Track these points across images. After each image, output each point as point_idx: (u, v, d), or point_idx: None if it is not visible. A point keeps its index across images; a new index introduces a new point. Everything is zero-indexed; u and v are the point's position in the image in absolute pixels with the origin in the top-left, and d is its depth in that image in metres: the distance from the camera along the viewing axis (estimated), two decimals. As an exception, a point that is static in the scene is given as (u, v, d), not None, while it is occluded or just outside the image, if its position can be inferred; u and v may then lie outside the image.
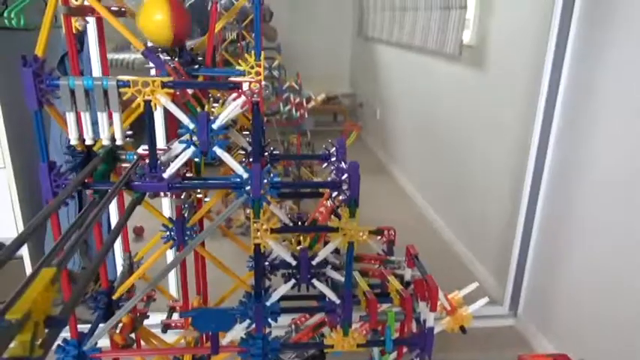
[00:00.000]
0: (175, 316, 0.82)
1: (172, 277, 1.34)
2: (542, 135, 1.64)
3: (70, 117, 0.60)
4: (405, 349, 0.80)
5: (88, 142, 0.61)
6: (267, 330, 0.69)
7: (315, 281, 0.66)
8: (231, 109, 0.60)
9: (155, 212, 0.75)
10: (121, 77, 0.60)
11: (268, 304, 0.66)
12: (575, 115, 1.52)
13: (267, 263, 0.72)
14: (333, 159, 0.74)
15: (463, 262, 2.15)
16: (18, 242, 0.46)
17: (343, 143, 0.73)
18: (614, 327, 1.31)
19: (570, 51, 1.53)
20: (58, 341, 0.64)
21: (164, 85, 0.59)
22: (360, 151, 3.51)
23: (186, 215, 0.77)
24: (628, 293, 1.27)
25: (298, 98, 2.45)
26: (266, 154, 0.75)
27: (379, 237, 0.91)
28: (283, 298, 0.69)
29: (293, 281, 0.66)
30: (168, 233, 0.75)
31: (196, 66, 0.70)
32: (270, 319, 0.66)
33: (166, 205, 1.23)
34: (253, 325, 0.66)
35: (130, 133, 0.74)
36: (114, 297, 0.75)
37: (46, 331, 0.38)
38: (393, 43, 3.06)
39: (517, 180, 1.76)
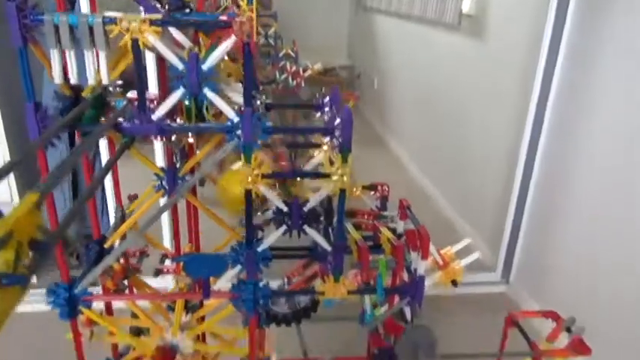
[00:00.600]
0: (168, 263, 0.83)
1: (166, 231, 1.34)
2: (539, 104, 1.64)
3: (55, 55, 0.58)
4: (396, 300, 0.81)
5: (73, 81, 0.60)
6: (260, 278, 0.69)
7: (306, 227, 0.66)
8: (221, 49, 0.58)
9: (147, 161, 0.75)
10: (107, 14, 0.58)
11: (260, 250, 0.66)
12: (574, 85, 1.50)
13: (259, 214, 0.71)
14: (327, 109, 0.73)
15: (457, 229, 2.17)
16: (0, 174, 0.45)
17: (337, 92, 0.71)
18: (607, 296, 1.33)
19: (570, 20, 1.51)
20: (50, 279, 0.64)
21: (152, 22, 0.57)
22: (357, 123, 3.46)
23: (178, 165, 0.77)
24: (623, 266, 1.28)
25: (294, 66, 2.41)
26: (259, 102, 0.73)
27: (373, 192, 0.90)
28: (276, 255, 0.69)
29: (284, 227, 0.66)
30: (159, 182, 0.75)
31: (187, 10, 0.68)
32: (261, 265, 0.67)
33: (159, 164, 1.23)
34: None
35: (120, 82, 0.73)
36: (105, 246, 0.75)
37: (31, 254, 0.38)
38: (392, 13, 3.00)
39: (514, 149, 1.76)
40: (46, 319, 0.69)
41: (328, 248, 0.67)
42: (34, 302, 1.53)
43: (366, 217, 0.85)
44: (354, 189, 0.89)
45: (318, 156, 0.69)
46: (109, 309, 0.75)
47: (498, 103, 1.93)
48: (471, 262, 1.98)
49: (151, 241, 0.80)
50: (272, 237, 0.66)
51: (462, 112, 2.23)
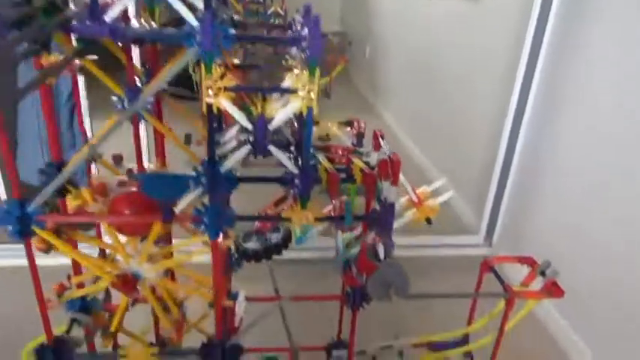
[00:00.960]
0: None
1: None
2: (528, 67, 1.61)
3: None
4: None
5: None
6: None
7: (271, 147, 0.63)
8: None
9: (107, 80, 0.71)
10: None
11: (223, 170, 0.63)
12: (563, 49, 1.48)
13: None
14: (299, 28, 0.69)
15: (442, 192, 2.16)
16: None
17: (309, 8, 0.67)
18: (590, 260, 1.33)
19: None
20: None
21: None
22: (348, 91, 3.44)
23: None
24: (606, 230, 1.27)
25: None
26: (224, 16, 0.69)
27: (349, 129, 0.88)
28: (242, 180, 0.66)
29: (248, 147, 0.63)
30: (120, 104, 0.71)
31: None
32: (224, 188, 0.64)
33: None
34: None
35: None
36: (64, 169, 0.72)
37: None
38: (386, -25, 2.92)
39: (501, 113, 1.74)
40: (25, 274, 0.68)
41: (295, 171, 0.65)
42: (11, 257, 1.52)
43: (340, 152, 0.82)
44: (330, 124, 0.86)
45: (289, 79, 0.66)
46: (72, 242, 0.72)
47: (488, 67, 1.90)
48: (454, 224, 1.97)
49: (107, 164, 0.76)
50: (235, 157, 0.63)
51: (451, 78, 2.19)
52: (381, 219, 0.67)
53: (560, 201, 1.48)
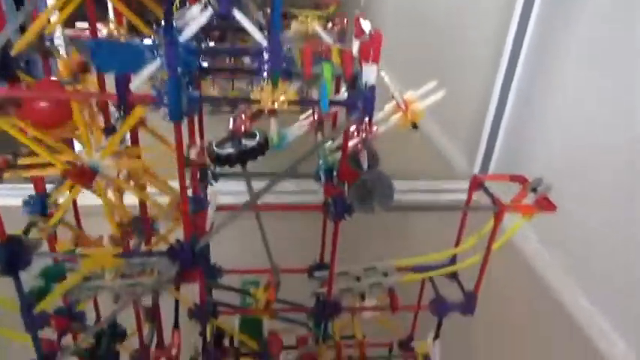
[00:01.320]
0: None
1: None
2: (524, 10, 1.54)
3: None
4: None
5: None
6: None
7: (235, 12, 0.56)
8: None
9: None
10: None
11: (182, 40, 0.57)
12: None
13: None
14: None
15: (433, 141, 2.13)
16: None
17: None
18: (583, 204, 1.29)
19: None
20: None
21: None
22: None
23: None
24: (600, 174, 1.23)
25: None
26: None
27: (331, 26, 0.81)
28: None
29: (210, 11, 0.56)
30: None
31: None
32: (185, 60, 0.57)
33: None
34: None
35: None
36: (12, 53, 0.65)
37: None
38: None
39: (495, 56, 1.68)
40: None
41: (263, 42, 0.58)
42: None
43: (320, 47, 0.75)
44: (309, 19, 0.79)
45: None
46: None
47: (483, 12, 1.83)
48: (446, 170, 1.92)
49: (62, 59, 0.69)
50: (195, 23, 0.56)
51: (446, 24, 2.12)
52: (362, 103, 0.61)
53: (555, 145, 1.44)
